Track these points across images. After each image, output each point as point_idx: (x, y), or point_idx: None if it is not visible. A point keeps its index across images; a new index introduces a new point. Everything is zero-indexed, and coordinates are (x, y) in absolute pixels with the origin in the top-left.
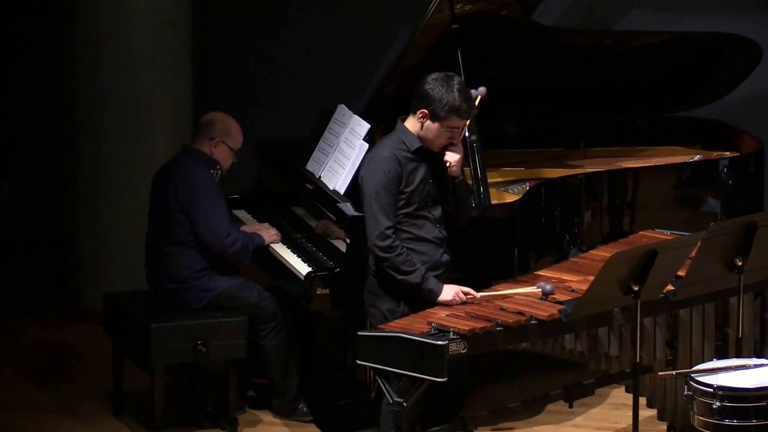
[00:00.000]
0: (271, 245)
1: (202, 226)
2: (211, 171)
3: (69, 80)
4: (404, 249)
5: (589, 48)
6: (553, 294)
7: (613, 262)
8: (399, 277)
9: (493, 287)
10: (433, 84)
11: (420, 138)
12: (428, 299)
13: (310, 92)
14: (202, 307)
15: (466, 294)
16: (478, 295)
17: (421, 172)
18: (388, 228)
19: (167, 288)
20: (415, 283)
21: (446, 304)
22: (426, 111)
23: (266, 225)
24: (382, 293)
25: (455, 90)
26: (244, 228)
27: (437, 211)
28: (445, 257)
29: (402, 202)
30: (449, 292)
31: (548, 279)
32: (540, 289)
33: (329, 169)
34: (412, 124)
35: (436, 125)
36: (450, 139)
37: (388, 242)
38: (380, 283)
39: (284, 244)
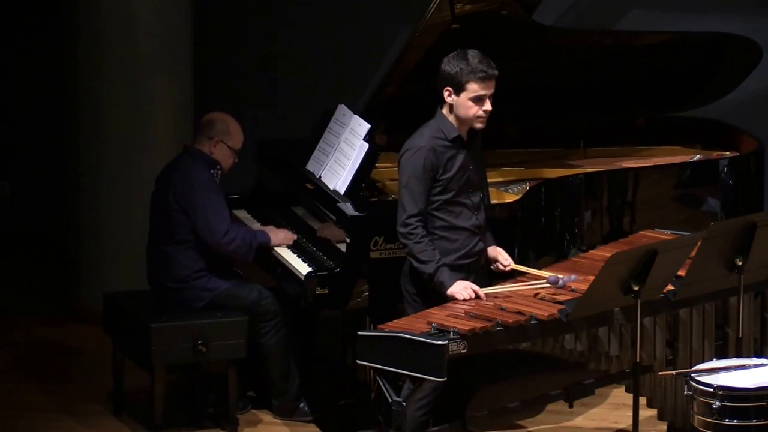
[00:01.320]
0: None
1: (200, 224)
2: (211, 171)
3: (70, 80)
4: (425, 239)
5: (589, 48)
6: (563, 287)
7: (613, 262)
8: (415, 264)
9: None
10: (446, 62)
11: (458, 120)
12: (439, 291)
13: (310, 92)
14: (202, 307)
15: (474, 292)
16: (483, 294)
17: (459, 159)
18: (411, 216)
19: (168, 288)
20: (428, 274)
21: (454, 298)
22: (450, 88)
23: (284, 230)
24: (413, 277)
25: (469, 57)
26: (259, 228)
27: (476, 198)
28: (480, 246)
29: (439, 188)
30: (459, 286)
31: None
32: (549, 283)
33: (329, 169)
34: (447, 109)
35: (461, 97)
36: (482, 108)
37: (408, 229)
38: (412, 268)
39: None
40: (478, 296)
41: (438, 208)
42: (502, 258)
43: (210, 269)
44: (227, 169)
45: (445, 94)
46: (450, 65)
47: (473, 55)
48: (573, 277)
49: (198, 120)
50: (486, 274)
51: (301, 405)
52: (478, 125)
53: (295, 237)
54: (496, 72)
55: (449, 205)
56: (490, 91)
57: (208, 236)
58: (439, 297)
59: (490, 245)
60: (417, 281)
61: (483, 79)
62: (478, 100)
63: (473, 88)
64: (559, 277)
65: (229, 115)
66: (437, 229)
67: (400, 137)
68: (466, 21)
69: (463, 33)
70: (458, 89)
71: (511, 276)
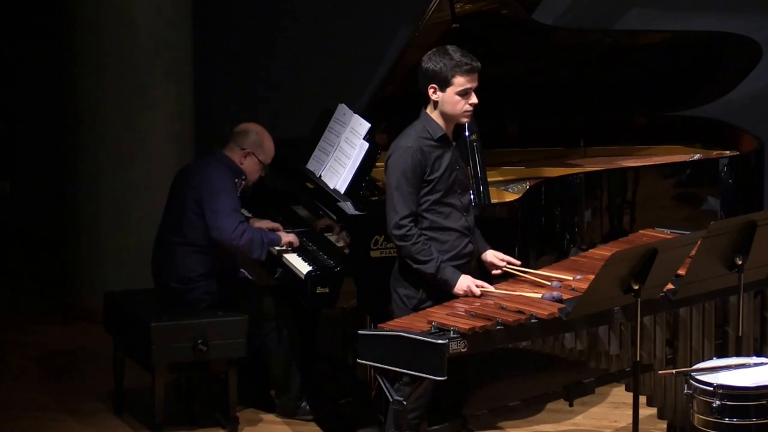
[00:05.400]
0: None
1: (211, 221)
2: (235, 180)
3: (70, 80)
4: (420, 238)
5: (589, 47)
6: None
7: (613, 261)
8: (414, 266)
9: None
10: (428, 60)
11: (444, 117)
12: (444, 290)
13: (310, 92)
14: (204, 307)
15: (479, 287)
16: (493, 288)
17: (447, 158)
18: (404, 217)
19: (171, 287)
20: (430, 273)
21: (460, 296)
22: (434, 85)
23: (292, 235)
24: (401, 278)
25: (450, 52)
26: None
27: (465, 199)
28: (470, 247)
29: (427, 188)
30: (463, 283)
31: (549, 279)
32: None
33: (330, 168)
34: (431, 108)
35: (448, 93)
36: (469, 102)
37: (403, 231)
38: (401, 269)
39: None
40: (483, 287)
41: (427, 209)
42: (498, 261)
43: (215, 274)
44: (252, 181)
45: (430, 91)
46: (432, 62)
47: (454, 50)
48: (555, 294)
49: (197, 119)
50: (478, 276)
51: (303, 404)
52: (464, 120)
53: (299, 242)
54: (479, 64)
55: (438, 205)
56: (475, 84)
57: (217, 233)
58: (436, 297)
59: (484, 251)
60: (406, 283)
61: (468, 72)
62: (464, 94)
63: (460, 82)
64: (552, 294)
65: (264, 128)
66: (426, 230)
67: None
68: (466, 20)
69: (464, 33)
70: (444, 85)
71: (511, 277)
